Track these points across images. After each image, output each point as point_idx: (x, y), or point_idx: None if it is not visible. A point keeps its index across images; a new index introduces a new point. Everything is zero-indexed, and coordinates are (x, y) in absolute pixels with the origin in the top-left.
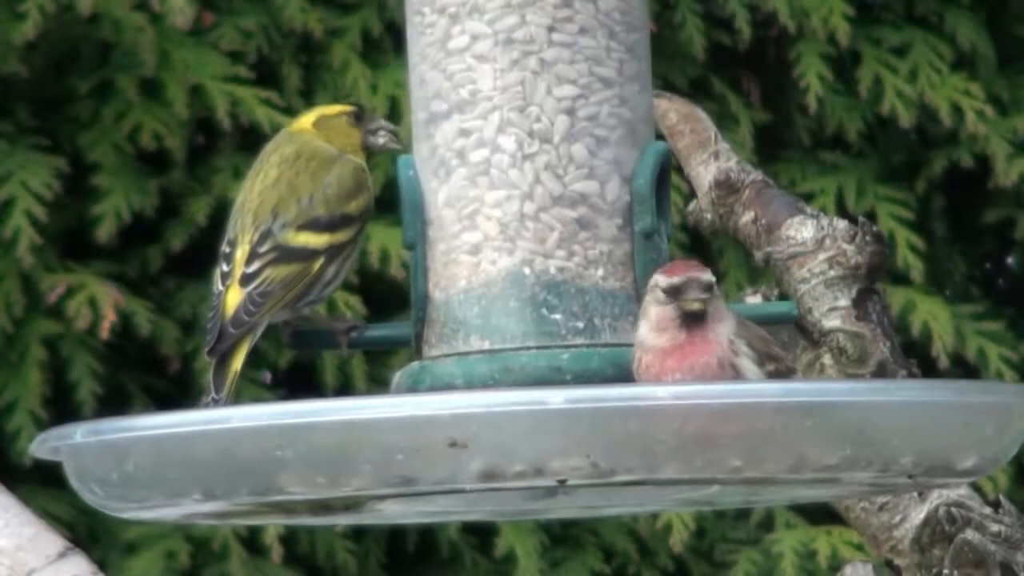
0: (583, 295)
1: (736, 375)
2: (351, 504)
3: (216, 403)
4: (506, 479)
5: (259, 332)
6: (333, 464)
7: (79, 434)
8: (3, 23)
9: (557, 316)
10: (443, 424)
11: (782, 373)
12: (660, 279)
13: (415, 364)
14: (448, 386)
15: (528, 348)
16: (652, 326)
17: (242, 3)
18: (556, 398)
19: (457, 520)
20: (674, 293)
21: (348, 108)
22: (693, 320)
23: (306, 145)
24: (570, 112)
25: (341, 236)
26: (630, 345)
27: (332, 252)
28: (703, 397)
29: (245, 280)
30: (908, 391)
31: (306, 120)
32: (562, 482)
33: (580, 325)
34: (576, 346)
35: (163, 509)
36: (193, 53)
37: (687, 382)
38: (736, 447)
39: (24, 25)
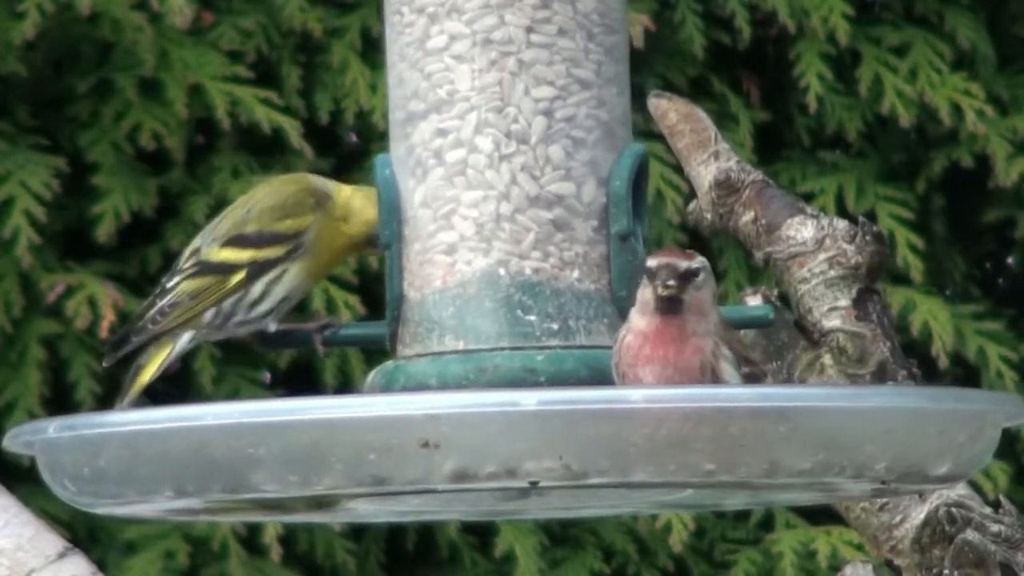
0: (558, 296)
1: (715, 379)
2: (323, 502)
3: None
4: (478, 480)
5: (179, 347)
6: (305, 463)
7: (52, 429)
8: (2, 23)
9: (532, 317)
10: (415, 424)
11: (756, 377)
12: (647, 260)
13: (389, 363)
14: (422, 386)
15: (502, 349)
16: (638, 307)
17: (241, 3)
18: (529, 400)
19: (429, 520)
20: (651, 276)
21: None
22: (666, 306)
23: (303, 176)
24: (547, 113)
25: (267, 253)
26: (605, 347)
27: (256, 268)
28: (676, 400)
29: (163, 294)
30: (881, 397)
31: (349, 188)
32: (534, 484)
33: (555, 327)
34: (550, 347)
35: (136, 505)
36: (192, 53)
37: (661, 386)
38: (709, 451)
39: (23, 24)
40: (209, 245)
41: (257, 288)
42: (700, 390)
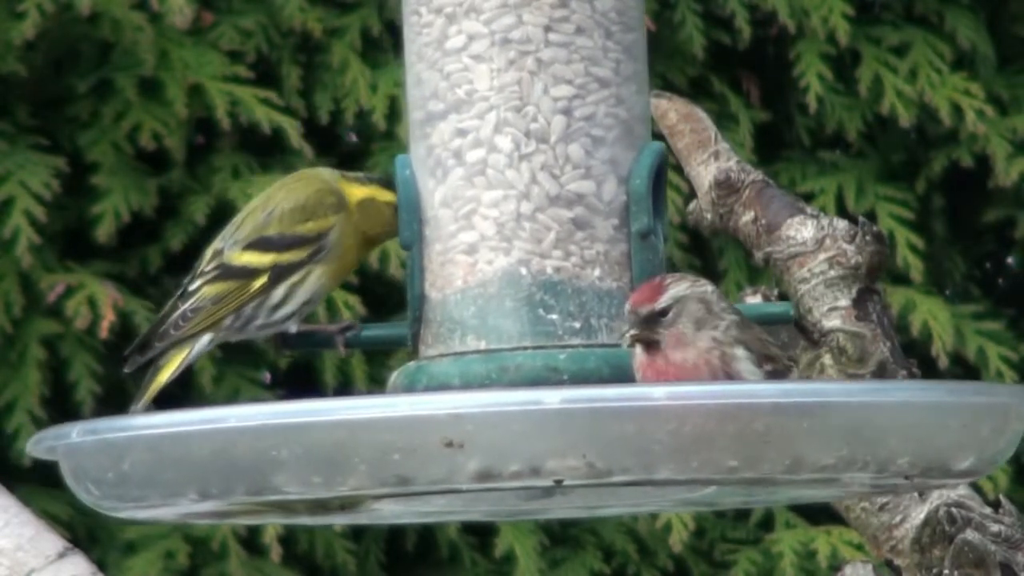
0: (580, 295)
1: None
2: (347, 504)
3: (134, 413)
4: (502, 479)
5: (197, 349)
6: (329, 464)
7: (75, 433)
8: (2, 23)
9: (554, 316)
10: (439, 424)
11: (780, 373)
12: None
13: (412, 364)
14: (444, 386)
15: (525, 348)
16: None
17: (241, 2)
18: (552, 398)
19: (453, 520)
20: (624, 319)
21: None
22: (642, 347)
23: (317, 174)
24: (567, 112)
25: (289, 256)
26: None
27: (278, 272)
28: (699, 398)
29: (185, 297)
30: (904, 392)
31: (359, 191)
32: (558, 482)
33: (577, 325)
34: (573, 346)
35: (159, 509)
36: (192, 52)
37: (683, 382)
38: (732, 447)
39: (23, 24)
40: (231, 248)
41: (279, 291)
42: (723, 387)
